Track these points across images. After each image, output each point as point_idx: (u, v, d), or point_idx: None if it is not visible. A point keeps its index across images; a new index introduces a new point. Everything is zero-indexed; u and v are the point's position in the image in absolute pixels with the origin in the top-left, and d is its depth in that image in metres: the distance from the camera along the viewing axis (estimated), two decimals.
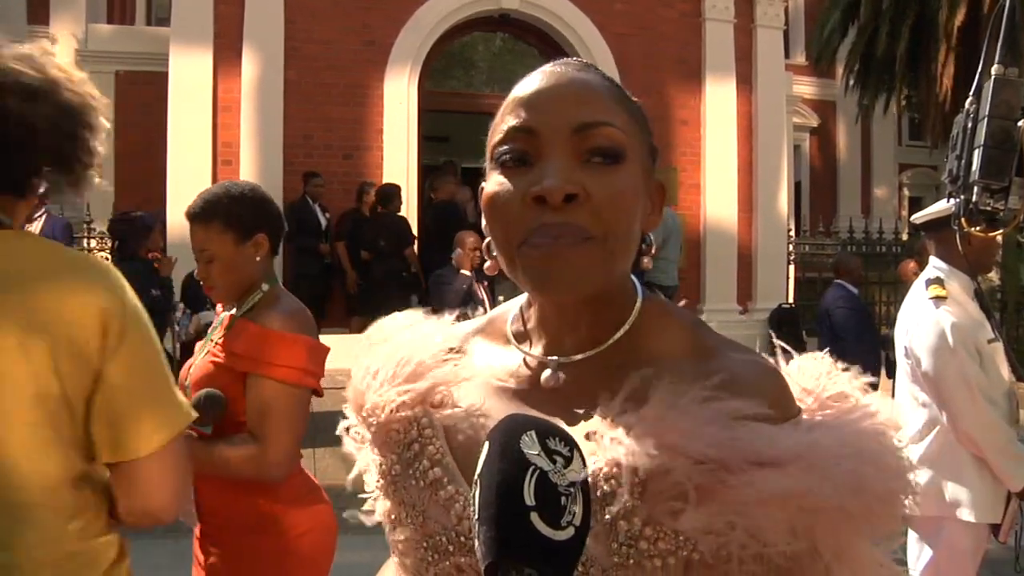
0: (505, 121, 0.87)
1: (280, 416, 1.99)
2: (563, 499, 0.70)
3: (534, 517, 0.69)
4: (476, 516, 0.71)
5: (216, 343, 2.11)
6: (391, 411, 0.95)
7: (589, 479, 0.78)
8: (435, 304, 6.23)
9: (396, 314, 1.09)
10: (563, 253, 0.82)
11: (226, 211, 2.12)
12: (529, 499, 0.69)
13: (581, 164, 0.84)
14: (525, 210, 0.83)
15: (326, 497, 2.20)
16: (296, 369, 2.01)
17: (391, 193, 8.08)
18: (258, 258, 2.15)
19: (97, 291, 1.32)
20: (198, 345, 2.28)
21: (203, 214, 2.12)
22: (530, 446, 0.71)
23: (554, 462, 0.71)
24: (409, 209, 8.56)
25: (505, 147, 0.86)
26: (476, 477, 0.73)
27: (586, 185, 0.82)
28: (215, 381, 2.04)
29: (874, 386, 0.93)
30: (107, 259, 8.03)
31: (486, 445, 0.74)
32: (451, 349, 1.00)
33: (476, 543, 0.72)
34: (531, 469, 0.70)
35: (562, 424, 0.84)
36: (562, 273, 0.83)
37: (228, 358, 2.04)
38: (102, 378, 1.31)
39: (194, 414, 1.43)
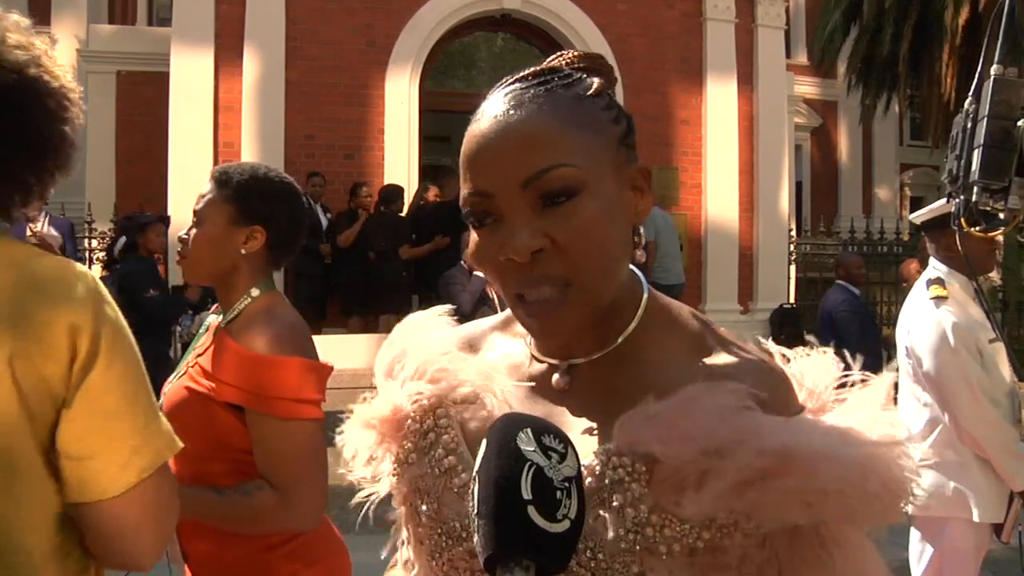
0: (463, 180, 0.89)
1: (297, 459, 1.74)
2: (558, 493, 0.73)
3: (531, 510, 0.72)
4: (475, 511, 0.74)
5: (196, 360, 1.87)
6: (413, 403, 0.99)
7: (599, 468, 0.83)
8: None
9: (419, 314, 1.10)
10: (551, 315, 0.86)
11: (240, 186, 1.91)
12: (526, 493, 0.72)
13: (541, 209, 0.85)
14: (504, 267, 0.86)
15: (346, 556, 1.97)
16: (298, 401, 1.76)
17: (393, 193, 8.10)
18: (243, 251, 1.89)
19: (67, 306, 1.14)
20: (184, 357, 2.03)
21: (219, 178, 1.94)
22: (526, 443, 0.75)
23: (549, 458, 0.74)
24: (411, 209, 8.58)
25: (468, 209, 0.88)
26: (474, 473, 0.76)
27: (550, 231, 0.84)
28: (188, 409, 1.80)
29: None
30: (106, 259, 8.05)
31: (484, 443, 0.77)
32: (470, 346, 1.04)
33: (475, 536, 0.74)
34: (527, 465, 0.73)
35: (572, 423, 0.89)
36: (554, 329, 0.88)
37: (207, 384, 1.79)
38: (66, 404, 1.12)
39: (180, 444, 1.25)
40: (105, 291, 1.21)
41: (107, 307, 1.19)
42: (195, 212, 1.93)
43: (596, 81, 0.92)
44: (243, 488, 1.76)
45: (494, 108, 0.88)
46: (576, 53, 0.96)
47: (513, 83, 0.90)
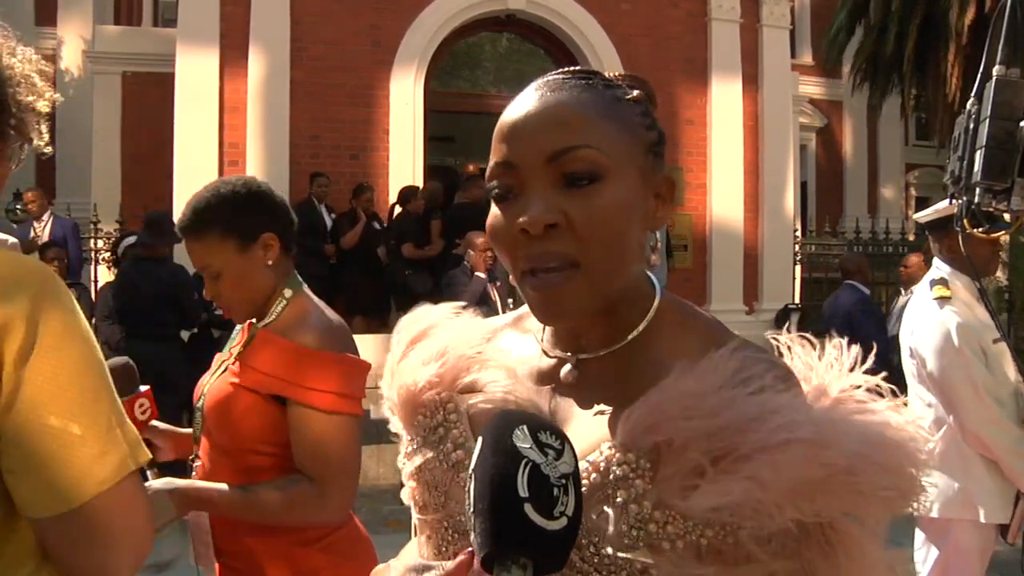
0: (492, 152, 0.90)
1: (337, 452, 1.76)
2: (555, 490, 0.73)
3: (528, 508, 0.72)
4: (472, 509, 0.74)
5: (236, 359, 1.88)
6: (421, 390, 1.00)
7: (603, 464, 0.83)
8: None
9: (428, 307, 1.11)
10: (555, 292, 0.86)
11: (219, 216, 1.85)
12: (523, 491, 0.72)
13: (562, 189, 0.86)
14: (516, 241, 0.87)
15: (373, 552, 1.97)
16: (342, 396, 1.77)
17: (409, 194, 8.11)
18: (269, 262, 1.88)
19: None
20: (216, 358, 2.02)
21: (195, 225, 1.85)
22: (522, 440, 0.74)
23: (546, 455, 0.74)
24: None
25: (493, 183, 0.90)
26: (471, 471, 0.76)
27: (566, 210, 0.85)
28: (234, 404, 1.82)
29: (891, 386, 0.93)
30: (112, 258, 8.06)
31: (479, 440, 0.77)
32: (484, 340, 1.04)
33: (472, 535, 0.74)
34: (524, 462, 0.73)
35: (579, 417, 0.90)
36: (556, 310, 0.88)
37: (252, 377, 1.80)
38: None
39: (148, 455, 1.13)
40: (59, 289, 1.08)
41: (53, 306, 1.05)
42: (203, 270, 1.89)
43: (636, 91, 0.95)
44: (277, 483, 1.78)
45: (533, 89, 0.91)
46: (621, 73, 1.00)
47: (556, 74, 0.93)
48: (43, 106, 1.20)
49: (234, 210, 1.87)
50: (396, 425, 1.05)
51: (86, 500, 1.02)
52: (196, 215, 1.86)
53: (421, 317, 1.09)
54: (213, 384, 1.91)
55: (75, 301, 1.10)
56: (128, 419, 1.11)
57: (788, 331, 0.99)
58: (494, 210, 0.90)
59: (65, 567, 1.09)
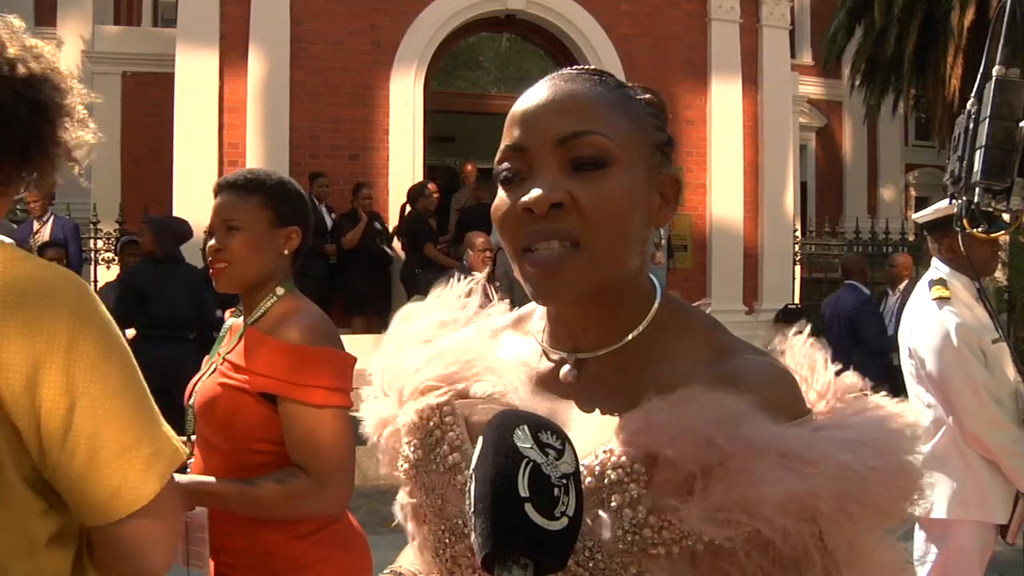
0: (504, 137, 0.91)
1: (331, 446, 1.80)
2: (556, 490, 0.73)
3: (528, 508, 0.71)
4: (472, 509, 0.74)
5: (224, 359, 1.92)
6: (416, 391, 1.00)
7: (598, 468, 0.83)
8: None
9: (423, 302, 1.12)
10: (553, 267, 0.86)
11: (271, 190, 1.96)
12: (523, 491, 0.72)
13: (569, 173, 0.87)
14: (520, 220, 0.88)
15: (367, 546, 2.00)
16: (332, 389, 1.82)
17: (417, 193, 8.13)
18: (285, 251, 1.96)
19: (31, 326, 1.03)
20: (205, 360, 2.05)
21: (245, 185, 1.95)
22: (523, 440, 0.74)
23: (547, 455, 0.74)
24: None
25: (502, 166, 0.91)
26: (471, 471, 0.75)
27: (573, 192, 0.86)
28: (223, 403, 1.85)
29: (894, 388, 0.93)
30: (114, 258, 8.07)
31: (480, 440, 0.76)
32: (481, 341, 1.04)
33: (473, 535, 0.74)
34: (524, 462, 0.73)
35: (577, 417, 0.90)
36: (554, 286, 0.88)
37: (241, 376, 1.84)
38: (44, 433, 1.05)
39: (185, 451, 1.19)
40: (92, 298, 1.13)
41: (92, 316, 1.10)
42: (225, 221, 1.93)
43: (648, 95, 0.97)
44: (276, 476, 1.80)
45: (545, 80, 0.93)
46: (633, 84, 1.01)
47: (569, 69, 0.95)
48: (82, 155, 1.25)
49: (285, 194, 2.00)
50: (397, 422, 1.04)
51: (126, 515, 1.09)
52: (252, 176, 1.99)
53: (414, 316, 1.09)
54: (203, 384, 1.94)
55: (106, 310, 1.14)
56: (164, 424, 1.16)
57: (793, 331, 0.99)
58: (500, 193, 0.91)
59: (114, 570, 1.16)
